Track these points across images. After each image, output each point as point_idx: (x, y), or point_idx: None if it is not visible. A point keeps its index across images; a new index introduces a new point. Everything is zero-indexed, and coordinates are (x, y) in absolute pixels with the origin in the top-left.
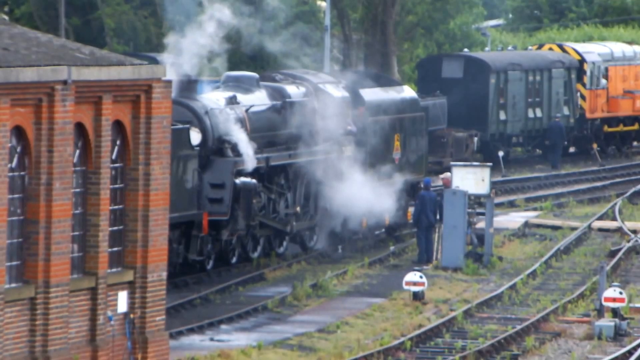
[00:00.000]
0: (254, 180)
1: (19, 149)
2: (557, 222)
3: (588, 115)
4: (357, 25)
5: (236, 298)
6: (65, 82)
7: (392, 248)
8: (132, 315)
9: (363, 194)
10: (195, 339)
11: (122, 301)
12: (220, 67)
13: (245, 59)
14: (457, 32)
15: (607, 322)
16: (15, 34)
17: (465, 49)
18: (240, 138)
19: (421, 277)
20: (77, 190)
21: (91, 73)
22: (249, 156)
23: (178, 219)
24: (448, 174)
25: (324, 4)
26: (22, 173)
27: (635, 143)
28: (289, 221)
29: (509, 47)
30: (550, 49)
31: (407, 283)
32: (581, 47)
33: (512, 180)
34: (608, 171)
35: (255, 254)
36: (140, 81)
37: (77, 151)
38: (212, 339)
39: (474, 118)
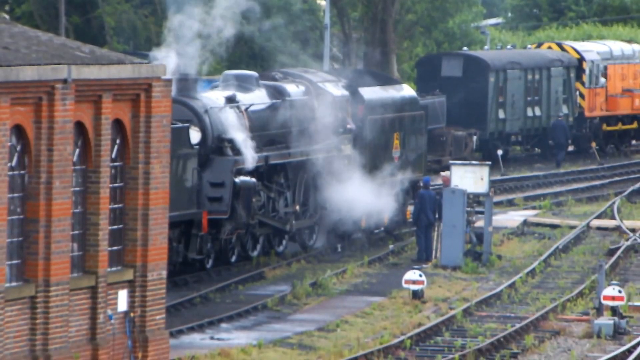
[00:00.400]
0: (253, 179)
1: (18, 148)
2: (556, 220)
3: (587, 113)
4: (357, 24)
5: (236, 297)
6: (65, 81)
7: (391, 247)
8: (132, 314)
9: (362, 193)
10: (195, 337)
11: (122, 300)
12: (219, 66)
13: (245, 57)
14: (456, 31)
15: (606, 321)
16: (15, 32)
17: (465, 48)
18: (240, 137)
19: (420, 275)
20: (77, 189)
21: (91, 72)
22: (249, 155)
23: (178, 217)
24: (448, 172)
25: (323, 2)
26: (22, 172)
27: (634, 142)
28: (288, 220)
29: (508, 46)
30: (550, 47)
31: (407, 282)
32: (580, 45)
33: (511, 179)
34: (607, 170)
35: (255, 253)
36: (140, 80)
37: (77, 150)
38: (212, 338)
39: (473, 117)
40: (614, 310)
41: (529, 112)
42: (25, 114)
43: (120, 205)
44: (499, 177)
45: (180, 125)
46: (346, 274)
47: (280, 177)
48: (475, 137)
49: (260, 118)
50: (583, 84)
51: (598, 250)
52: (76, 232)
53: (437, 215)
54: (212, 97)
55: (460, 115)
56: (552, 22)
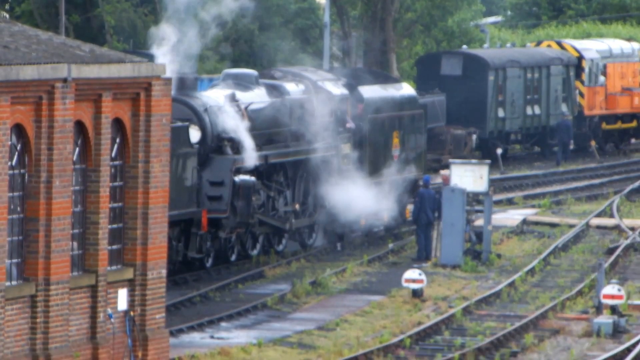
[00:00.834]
0: (253, 178)
1: (19, 147)
2: (555, 219)
3: (586, 112)
4: (357, 22)
5: (236, 295)
6: (65, 80)
7: (391, 245)
8: (132, 313)
9: (362, 192)
10: (195, 336)
11: (122, 299)
12: (219, 65)
13: (245, 56)
14: (455, 29)
15: (605, 319)
16: (15, 31)
17: (464, 46)
18: (240, 136)
19: (420, 274)
20: (77, 188)
21: (91, 71)
22: (248, 154)
23: (177, 216)
24: (448, 171)
25: (323, 0)
26: (22, 171)
27: (633, 140)
28: (288, 219)
29: (508, 44)
30: (549, 46)
31: (406, 280)
32: (579, 44)
33: (510, 177)
34: (606, 168)
35: (255, 252)
36: (140, 79)
37: (77, 149)
38: (212, 337)
39: (473, 115)
40: (614, 309)
41: (529, 111)
42: (25, 113)
43: (120, 204)
44: (498, 176)
45: (180, 124)
46: (346, 273)
47: (279, 175)
48: (474, 136)
49: (259, 117)
50: (582, 82)
51: (597, 249)
52: (76, 231)
53: (437, 214)
54: (211, 96)
55: (459, 113)
56: (552, 20)
